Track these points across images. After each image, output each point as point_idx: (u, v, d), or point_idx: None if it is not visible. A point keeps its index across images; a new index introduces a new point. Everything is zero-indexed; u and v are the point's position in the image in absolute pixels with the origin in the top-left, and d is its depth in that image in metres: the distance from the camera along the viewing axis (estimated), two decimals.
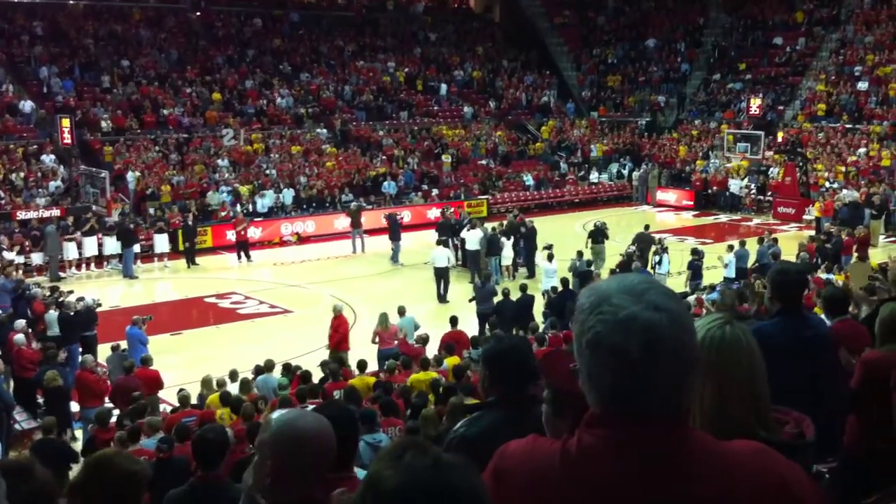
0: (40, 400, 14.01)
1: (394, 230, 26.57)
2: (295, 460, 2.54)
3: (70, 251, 25.33)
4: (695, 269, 21.05)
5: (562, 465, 1.74)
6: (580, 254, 21.53)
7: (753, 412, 2.28)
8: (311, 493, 2.55)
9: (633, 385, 1.66)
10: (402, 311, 16.57)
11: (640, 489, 1.66)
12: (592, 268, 21.35)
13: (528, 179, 37.75)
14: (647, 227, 25.28)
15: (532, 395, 3.35)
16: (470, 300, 19.27)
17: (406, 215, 31.07)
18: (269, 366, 13.64)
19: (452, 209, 29.31)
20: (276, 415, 2.72)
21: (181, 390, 12.46)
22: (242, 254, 26.96)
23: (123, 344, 15.58)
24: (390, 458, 1.55)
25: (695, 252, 21.61)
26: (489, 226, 25.33)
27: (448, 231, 25.21)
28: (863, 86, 38.17)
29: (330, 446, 2.58)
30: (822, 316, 6.47)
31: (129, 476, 3.02)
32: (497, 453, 1.90)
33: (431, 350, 14.82)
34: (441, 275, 22.17)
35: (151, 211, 29.11)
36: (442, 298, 21.96)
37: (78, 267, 25.54)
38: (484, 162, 38.67)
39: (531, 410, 3.24)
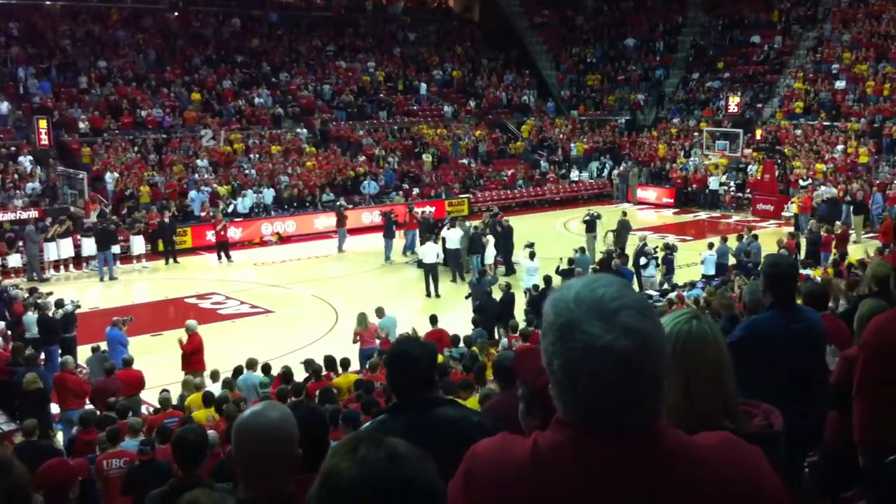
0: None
1: (388, 228, 26.56)
2: (252, 456, 2.53)
3: (50, 252, 25.14)
4: (668, 263, 21.27)
5: (531, 463, 1.71)
6: (583, 249, 21.74)
7: (720, 406, 2.29)
8: (281, 488, 2.53)
9: (605, 405, 1.65)
10: (380, 313, 16.57)
11: (609, 488, 1.65)
12: (587, 256, 21.60)
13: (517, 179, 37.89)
14: (624, 213, 25.84)
15: (432, 399, 3.33)
16: (466, 297, 19.42)
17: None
18: (249, 364, 13.62)
19: (430, 209, 29.46)
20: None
21: (163, 391, 12.40)
22: (223, 254, 26.87)
23: (104, 345, 15.48)
24: (344, 452, 1.53)
25: (667, 247, 21.86)
26: (470, 224, 25.39)
27: (428, 230, 25.26)
28: (840, 84, 38.46)
29: (290, 439, 2.55)
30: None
31: None
32: (468, 453, 1.85)
33: None
34: (429, 270, 22.27)
35: (127, 212, 28.93)
36: (434, 294, 22.19)
37: (56, 268, 25.35)
38: (465, 161, 38.68)
39: (430, 415, 3.21)
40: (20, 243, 25.09)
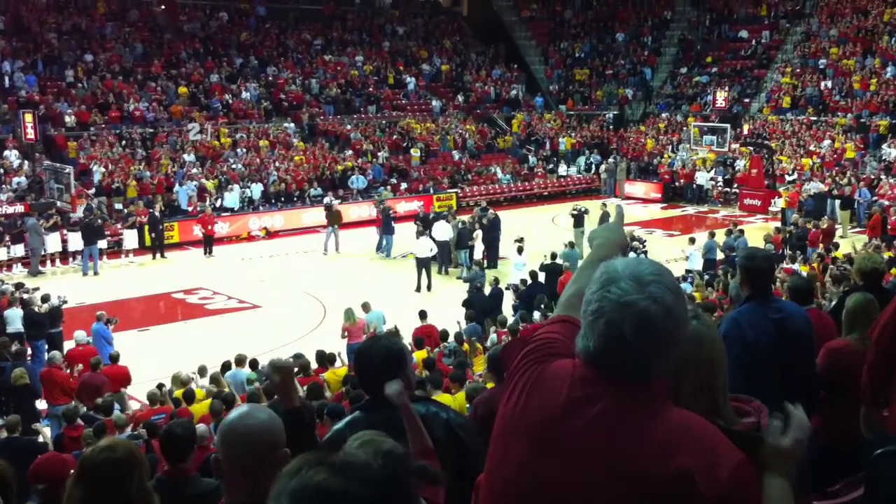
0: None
1: (386, 223, 26.46)
2: (239, 459, 2.53)
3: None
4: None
5: (545, 373, 2.04)
6: (572, 244, 21.80)
7: (710, 402, 2.31)
8: (267, 489, 2.53)
9: (618, 354, 1.91)
10: (366, 308, 16.55)
11: (589, 415, 1.91)
12: (576, 250, 21.64)
13: (500, 174, 37.80)
14: (604, 204, 26.07)
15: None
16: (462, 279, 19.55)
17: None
18: (238, 361, 13.59)
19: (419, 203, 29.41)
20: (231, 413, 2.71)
21: (160, 385, 12.37)
22: (208, 248, 26.83)
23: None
24: (286, 477, 1.49)
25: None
26: (458, 219, 25.41)
27: (427, 224, 25.19)
28: (827, 79, 38.61)
29: (276, 442, 2.55)
30: None
31: None
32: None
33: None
34: (423, 264, 22.27)
35: (118, 206, 28.84)
36: (427, 288, 22.22)
37: (42, 263, 25.22)
38: (456, 155, 38.65)
39: (394, 411, 3.22)
40: (7, 238, 24.99)
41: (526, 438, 1.97)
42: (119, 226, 27.08)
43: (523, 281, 18.76)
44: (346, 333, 15.95)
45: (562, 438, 1.92)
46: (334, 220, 27.29)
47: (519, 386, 2.06)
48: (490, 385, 9.07)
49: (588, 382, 1.94)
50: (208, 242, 26.98)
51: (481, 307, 17.58)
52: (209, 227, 26.99)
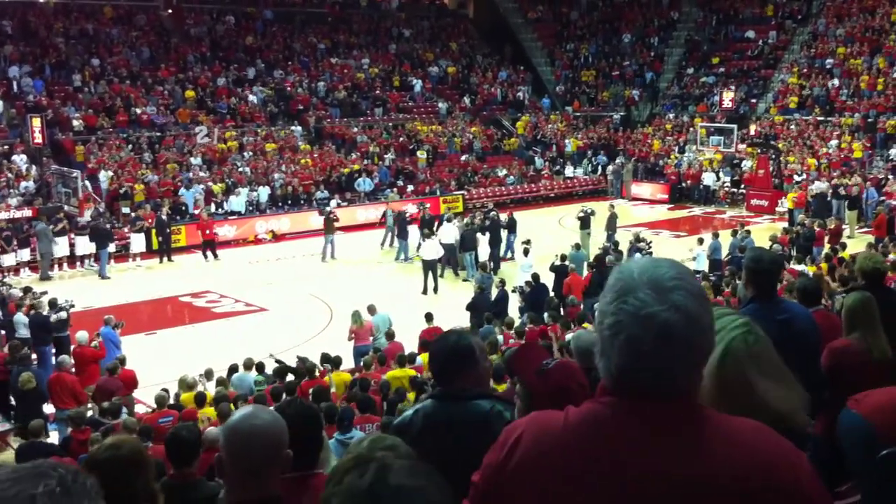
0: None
1: (401, 228, 26.45)
2: (243, 459, 2.55)
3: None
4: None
5: (563, 430, 1.81)
6: (578, 246, 21.78)
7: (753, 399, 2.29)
8: (266, 490, 2.55)
9: (641, 369, 1.74)
10: (371, 310, 16.51)
11: (640, 449, 1.73)
12: (583, 252, 21.57)
13: (507, 175, 37.82)
14: (611, 205, 26.65)
15: (469, 391, 3.41)
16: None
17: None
18: (247, 365, 13.61)
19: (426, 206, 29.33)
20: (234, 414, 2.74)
21: (163, 390, 12.39)
22: (209, 252, 26.83)
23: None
24: (332, 483, 1.51)
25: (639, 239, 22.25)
26: (464, 221, 25.44)
27: (428, 226, 25.17)
28: (834, 79, 38.54)
29: (279, 443, 2.58)
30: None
31: None
32: (505, 428, 1.95)
33: (412, 345, 14.85)
34: (430, 267, 22.29)
35: (126, 210, 28.91)
36: (433, 290, 22.25)
37: (51, 267, 25.29)
38: (464, 157, 38.64)
39: (464, 407, 3.33)
40: (15, 242, 25.05)
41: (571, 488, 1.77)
42: (126, 229, 27.17)
43: (528, 283, 18.75)
44: (353, 336, 15.97)
45: (607, 479, 1.74)
46: (330, 228, 26.82)
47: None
48: (500, 388, 9.06)
49: (619, 409, 1.78)
50: (208, 246, 26.90)
51: (484, 309, 17.52)
52: (207, 231, 26.97)
